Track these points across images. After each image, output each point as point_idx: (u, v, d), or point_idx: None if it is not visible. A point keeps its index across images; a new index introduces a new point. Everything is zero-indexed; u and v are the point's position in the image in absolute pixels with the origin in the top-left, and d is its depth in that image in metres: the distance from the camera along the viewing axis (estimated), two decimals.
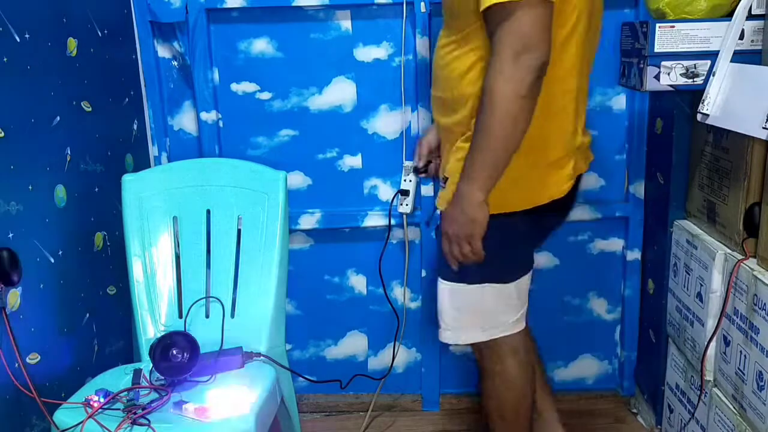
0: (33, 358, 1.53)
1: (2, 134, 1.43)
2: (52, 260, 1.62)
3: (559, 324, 2.30)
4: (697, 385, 1.75)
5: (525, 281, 1.61)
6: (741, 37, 1.45)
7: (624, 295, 2.26)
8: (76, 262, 1.73)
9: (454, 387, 2.34)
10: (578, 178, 1.56)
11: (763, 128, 1.28)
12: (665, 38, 1.50)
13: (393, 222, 2.17)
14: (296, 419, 1.90)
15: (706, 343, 1.66)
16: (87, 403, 1.49)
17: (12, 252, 1.43)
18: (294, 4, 2.02)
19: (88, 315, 1.79)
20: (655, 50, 1.50)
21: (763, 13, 1.43)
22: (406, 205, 2.12)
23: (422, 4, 2.00)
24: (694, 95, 1.69)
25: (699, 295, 1.71)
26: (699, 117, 1.49)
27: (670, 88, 1.53)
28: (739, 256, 1.56)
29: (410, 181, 2.11)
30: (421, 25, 2.02)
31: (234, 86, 2.13)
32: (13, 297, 1.46)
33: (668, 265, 1.93)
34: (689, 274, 1.78)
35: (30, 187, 1.53)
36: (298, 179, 2.18)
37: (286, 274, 1.82)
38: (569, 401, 2.30)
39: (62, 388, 1.62)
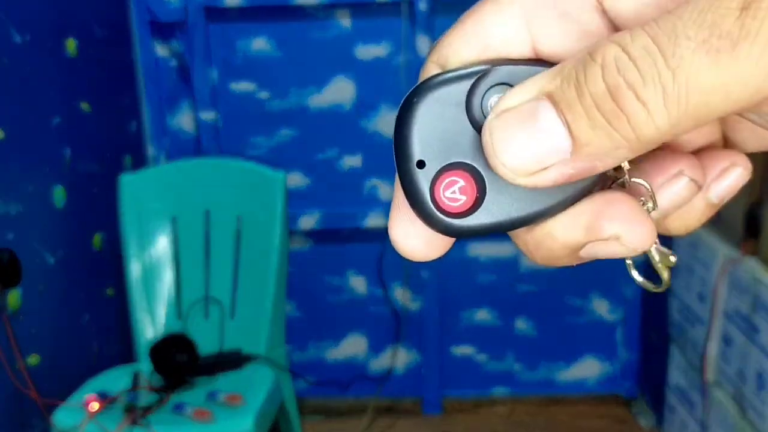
0: (33, 359, 1.53)
1: (2, 135, 1.43)
2: (52, 261, 1.62)
3: (561, 325, 2.29)
4: (698, 385, 1.74)
5: None
6: None
7: (625, 296, 2.26)
8: (75, 263, 1.73)
9: (455, 389, 2.33)
10: None
11: None
12: None
13: None
14: (296, 421, 1.89)
15: (704, 343, 1.65)
16: (86, 405, 1.48)
17: (12, 253, 1.43)
18: (293, 2, 2.02)
19: (87, 316, 1.78)
20: None
21: None
22: None
23: (422, 2, 1.99)
24: None
25: (700, 296, 1.70)
26: None
27: None
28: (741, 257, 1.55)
29: None
30: (421, 23, 2.01)
31: (233, 85, 2.12)
32: (13, 298, 1.46)
33: None
34: (691, 275, 1.77)
35: (29, 188, 1.53)
36: (297, 179, 2.17)
37: (286, 275, 1.82)
38: (570, 402, 2.30)
39: (62, 389, 1.62)
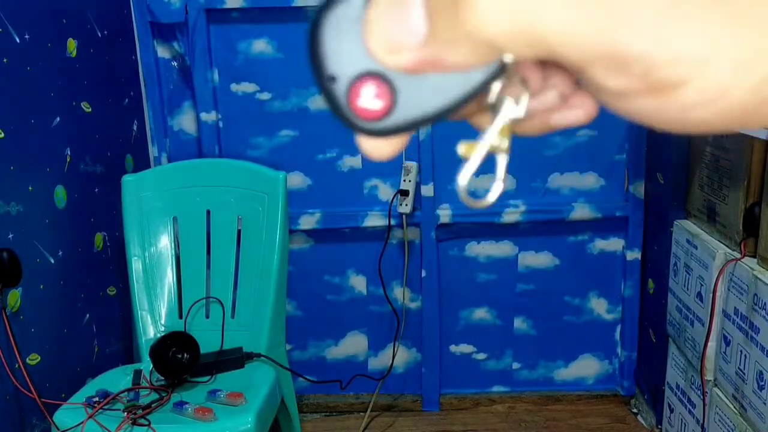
0: (33, 359, 1.53)
1: (2, 135, 1.43)
2: (52, 261, 1.62)
3: (560, 324, 2.30)
4: (698, 384, 1.75)
5: None
6: None
7: (624, 295, 2.26)
8: (76, 263, 1.73)
9: (454, 387, 2.34)
10: None
11: (764, 128, 1.28)
12: None
13: (393, 222, 2.17)
14: (296, 419, 1.90)
15: (704, 343, 1.66)
16: (87, 404, 1.49)
17: (12, 253, 1.43)
18: (293, 4, 2.02)
19: (88, 315, 1.79)
20: None
21: None
22: (406, 205, 2.12)
23: None
24: None
25: (699, 295, 1.71)
26: None
27: None
28: (740, 256, 1.56)
29: (410, 181, 2.11)
30: None
31: (234, 87, 2.13)
32: (14, 297, 1.46)
33: (668, 265, 1.93)
34: (689, 274, 1.78)
35: (30, 188, 1.53)
36: (298, 179, 2.18)
37: (286, 274, 1.82)
38: (569, 401, 2.30)
39: (62, 389, 1.62)
